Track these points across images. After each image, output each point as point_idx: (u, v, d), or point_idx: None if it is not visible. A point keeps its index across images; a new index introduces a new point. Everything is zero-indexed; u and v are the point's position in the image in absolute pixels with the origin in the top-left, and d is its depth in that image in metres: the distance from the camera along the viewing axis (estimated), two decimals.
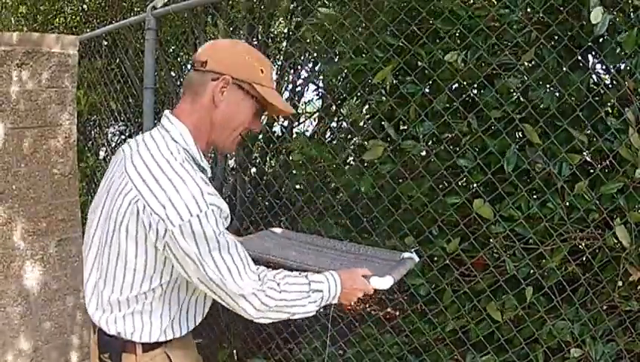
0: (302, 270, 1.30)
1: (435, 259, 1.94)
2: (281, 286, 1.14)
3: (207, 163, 1.25)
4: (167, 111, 1.20)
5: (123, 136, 4.36)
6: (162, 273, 1.13)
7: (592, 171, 1.70)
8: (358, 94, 2.23)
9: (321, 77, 3.10)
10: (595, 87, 1.74)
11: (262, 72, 1.19)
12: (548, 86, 1.73)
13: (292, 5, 2.97)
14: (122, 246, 1.10)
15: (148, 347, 1.18)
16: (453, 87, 1.90)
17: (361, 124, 2.30)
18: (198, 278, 1.09)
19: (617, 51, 1.65)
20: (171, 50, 4.05)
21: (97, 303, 1.19)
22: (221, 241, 1.07)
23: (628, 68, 1.66)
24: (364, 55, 1.98)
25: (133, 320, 1.16)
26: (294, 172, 2.41)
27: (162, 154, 1.10)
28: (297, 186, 2.72)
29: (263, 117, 1.30)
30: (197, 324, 1.27)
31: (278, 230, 1.89)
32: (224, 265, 1.07)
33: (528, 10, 1.77)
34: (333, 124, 3.22)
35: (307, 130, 3.57)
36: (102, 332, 1.19)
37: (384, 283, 1.28)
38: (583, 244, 1.72)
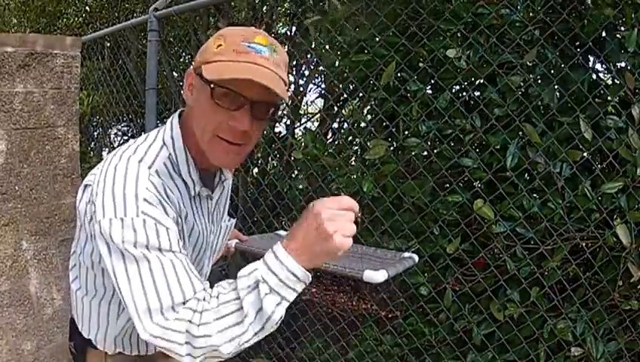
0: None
1: (437, 258, 1.95)
2: (211, 329, 0.83)
3: (223, 179, 1.11)
4: (182, 109, 1.05)
5: (125, 137, 4.38)
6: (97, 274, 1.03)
7: (593, 169, 1.70)
8: (360, 94, 2.23)
9: (323, 77, 3.10)
10: (597, 83, 1.75)
11: (218, 46, 0.90)
12: (552, 82, 1.73)
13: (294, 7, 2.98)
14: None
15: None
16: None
17: (363, 123, 2.30)
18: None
19: (618, 50, 1.66)
20: (173, 51, 4.07)
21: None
22: (150, 258, 0.86)
23: (629, 67, 1.66)
24: (366, 52, 1.98)
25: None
26: (296, 172, 2.41)
27: (134, 150, 0.95)
28: (300, 186, 2.72)
29: (244, 109, 0.90)
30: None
31: (283, 233, 1.92)
32: (141, 287, 0.85)
33: (528, 10, 1.77)
34: (335, 125, 3.23)
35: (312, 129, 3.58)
36: (72, 319, 1.14)
37: (378, 276, 1.27)
38: (584, 244, 1.72)
